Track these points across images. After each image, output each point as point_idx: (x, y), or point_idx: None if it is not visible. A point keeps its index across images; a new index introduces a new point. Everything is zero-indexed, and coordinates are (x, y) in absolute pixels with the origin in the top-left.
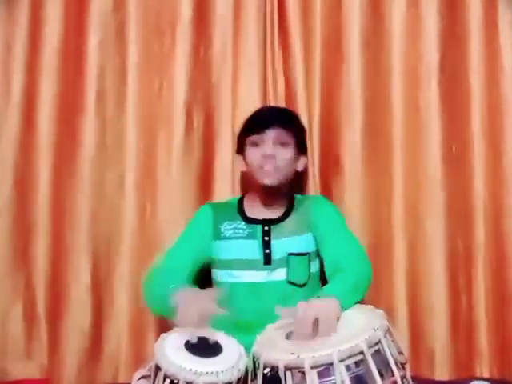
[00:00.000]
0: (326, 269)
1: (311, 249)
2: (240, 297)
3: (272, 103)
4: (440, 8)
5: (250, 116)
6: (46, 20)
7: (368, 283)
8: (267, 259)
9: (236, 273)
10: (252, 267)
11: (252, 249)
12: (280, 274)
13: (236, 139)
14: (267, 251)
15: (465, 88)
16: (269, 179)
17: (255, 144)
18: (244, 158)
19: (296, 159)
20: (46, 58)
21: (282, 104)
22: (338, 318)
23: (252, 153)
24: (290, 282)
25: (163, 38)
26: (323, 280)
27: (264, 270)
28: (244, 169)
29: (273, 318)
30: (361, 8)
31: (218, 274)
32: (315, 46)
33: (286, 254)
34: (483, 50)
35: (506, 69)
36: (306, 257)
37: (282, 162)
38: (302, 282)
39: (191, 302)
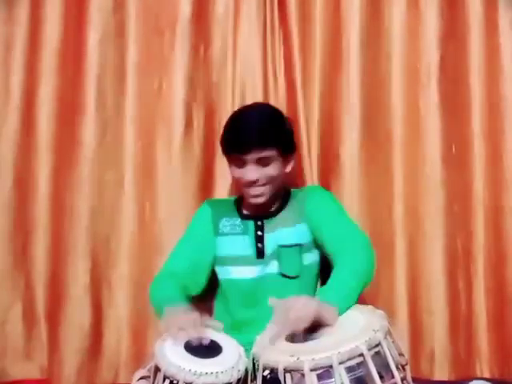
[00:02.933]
0: (329, 258)
1: (304, 240)
2: (236, 293)
3: (271, 103)
4: (440, 8)
5: (228, 130)
6: (46, 19)
7: (371, 271)
8: (260, 253)
9: (231, 269)
10: (245, 263)
11: (244, 244)
12: (273, 267)
13: (220, 142)
14: (259, 245)
15: (465, 88)
16: (257, 199)
17: (237, 164)
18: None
19: (283, 165)
20: (46, 58)
21: (282, 104)
22: (332, 324)
23: (236, 173)
24: (283, 275)
25: (163, 37)
26: (322, 273)
27: (257, 264)
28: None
29: (268, 313)
30: (360, 8)
31: (217, 271)
32: (315, 45)
33: (277, 247)
34: (483, 50)
35: (505, 69)
36: (298, 248)
37: (267, 180)
38: (294, 274)
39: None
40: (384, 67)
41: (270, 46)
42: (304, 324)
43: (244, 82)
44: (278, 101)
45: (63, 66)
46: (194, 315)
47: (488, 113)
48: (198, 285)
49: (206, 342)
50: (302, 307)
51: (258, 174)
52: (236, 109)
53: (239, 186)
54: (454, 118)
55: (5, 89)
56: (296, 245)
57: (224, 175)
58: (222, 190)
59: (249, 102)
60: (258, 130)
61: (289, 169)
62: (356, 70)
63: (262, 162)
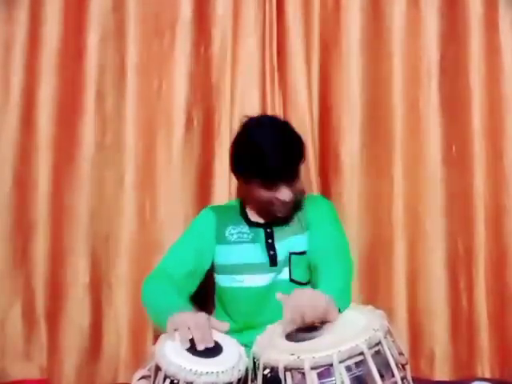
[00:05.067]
0: (310, 261)
1: None
2: (245, 301)
3: (271, 103)
4: (440, 8)
5: (254, 155)
6: (46, 20)
7: (352, 278)
8: (273, 261)
9: (239, 277)
10: (258, 271)
11: (256, 252)
12: (284, 274)
13: (230, 158)
14: (272, 253)
15: (465, 88)
16: (284, 212)
17: (266, 186)
18: (243, 185)
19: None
20: (46, 58)
21: (281, 104)
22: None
23: (265, 194)
24: (293, 281)
25: (163, 37)
26: None
27: (270, 272)
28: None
29: (274, 318)
30: (361, 8)
31: (220, 279)
32: (315, 45)
33: (288, 254)
34: (483, 50)
35: (506, 68)
36: (307, 255)
37: (296, 194)
38: (305, 281)
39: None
40: (384, 67)
41: (269, 46)
42: (316, 314)
43: (244, 83)
44: (277, 101)
45: (63, 66)
46: (202, 316)
47: (488, 112)
48: (189, 290)
49: (210, 345)
50: (311, 298)
51: (292, 193)
52: (235, 109)
53: (256, 202)
54: (455, 117)
55: (5, 89)
56: (305, 252)
57: (223, 175)
58: (222, 189)
59: (248, 101)
60: (289, 152)
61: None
62: (356, 69)
63: (293, 180)
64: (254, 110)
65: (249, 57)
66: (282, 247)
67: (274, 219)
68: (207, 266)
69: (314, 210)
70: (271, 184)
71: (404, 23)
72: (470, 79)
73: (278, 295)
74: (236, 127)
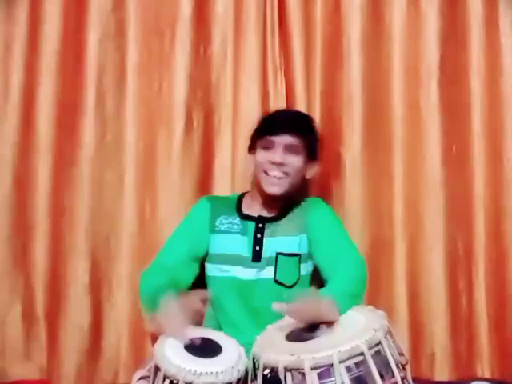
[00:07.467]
0: (323, 273)
1: (303, 250)
2: (229, 292)
3: (272, 103)
4: (440, 8)
5: (265, 117)
6: (46, 19)
7: (364, 289)
8: (256, 256)
9: (225, 267)
10: (240, 263)
11: (242, 245)
12: (269, 273)
13: (250, 138)
14: (257, 248)
15: (465, 88)
16: (274, 188)
17: (266, 148)
18: (253, 159)
19: (305, 167)
20: (46, 58)
21: (281, 103)
22: (333, 322)
23: (261, 156)
24: (278, 282)
25: (163, 37)
26: (315, 284)
27: (253, 267)
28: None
29: (261, 317)
30: (361, 8)
31: (208, 268)
32: (315, 45)
33: (275, 254)
34: (483, 50)
35: (506, 69)
36: (296, 258)
37: (290, 169)
38: (290, 283)
39: (172, 309)
40: (384, 67)
41: (270, 45)
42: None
43: (244, 82)
44: (278, 101)
45: (63, 65)
46: (184, 314)
47: (488, 113)
48: (187, 280)
49: (197, 341)
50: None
51: (284, 159)
52: (235, 109)
53: (257, 172)
54: (454, 118)
55: (4, 88)
56: (295, 254)
57: (223, 175)
58: (222, 189)
59: (248, 101)
60: (294, 117)
61: (309, 175)
62: (356, 70)
63: (290, 151)
64: (255, 110)
65: (249, 56)
66: (270, 245)
67: (267, 201)
68: (202, 254)
69: (316, 213)
70: (269, 143)
71: (404, 23)
72: (470, 79)
73: (276, 305)
74: (237, 127)
